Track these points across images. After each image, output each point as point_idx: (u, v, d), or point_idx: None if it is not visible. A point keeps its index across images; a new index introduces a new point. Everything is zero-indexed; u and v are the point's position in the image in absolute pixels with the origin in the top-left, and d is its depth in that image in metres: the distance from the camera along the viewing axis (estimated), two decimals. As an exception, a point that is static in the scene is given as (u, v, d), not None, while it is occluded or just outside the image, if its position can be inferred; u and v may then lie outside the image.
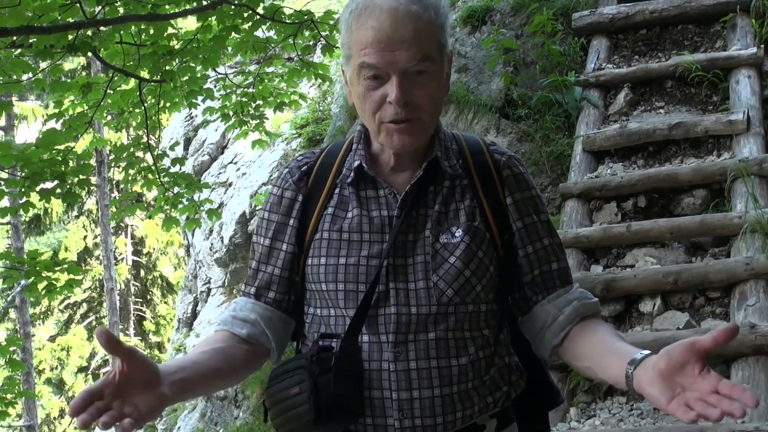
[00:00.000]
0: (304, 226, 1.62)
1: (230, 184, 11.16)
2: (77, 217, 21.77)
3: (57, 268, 5.59)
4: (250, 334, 1.61)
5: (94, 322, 21.85)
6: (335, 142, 1.71)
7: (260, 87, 6.37)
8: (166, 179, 6.23)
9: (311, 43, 5.88)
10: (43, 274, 5.54)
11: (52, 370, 20.65)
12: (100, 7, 4.90)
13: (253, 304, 1.64)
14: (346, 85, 1.61)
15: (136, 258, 22.22)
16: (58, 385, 21.01)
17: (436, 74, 1.52)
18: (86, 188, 6.33)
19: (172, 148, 8.09)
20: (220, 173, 11.60)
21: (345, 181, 1.62)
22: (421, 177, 1.58)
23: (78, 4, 4.69)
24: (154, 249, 22.08)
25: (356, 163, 1.60)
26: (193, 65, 5.65)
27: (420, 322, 1.52)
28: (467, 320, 1.56)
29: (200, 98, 6.06)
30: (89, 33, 4.99)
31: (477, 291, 1.56)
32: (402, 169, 1.60)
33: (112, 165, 9.16)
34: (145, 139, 6.48)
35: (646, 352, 1.38)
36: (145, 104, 5.84)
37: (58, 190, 5.43)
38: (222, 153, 12.08)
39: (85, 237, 21.56)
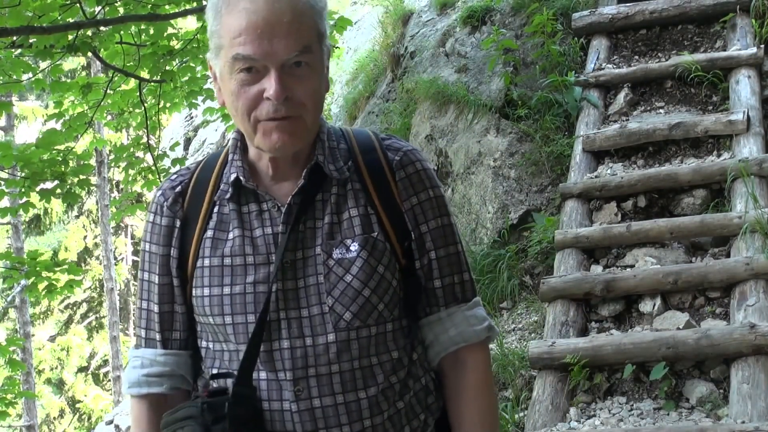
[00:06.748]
0: (185, 254, 1.44)
1: (230, 184, 11.16)
2: (77, 217, 21.77)
3: (57, 269, 5.59)
4: (172, 387, 1.48)
5: (94, 322, 21.87)
6: (212, 153, 1.52)
7: (260, 87, 6.36)
8: (166, 179, 6.23)
9: (311, 43, 5.86)
10: (43, 275, 5.55)
11: (52, 370, 20.65)
12: (100, 7, 4.91)
13: (164, 355, 1.48)
14: (214, 82, 1.42)
15: (136, 258, 22.22)
16: (58, 385, 21.01)
17: (317, 67, 1.36)
18: (86, 188, 6.33)
19: (172, 148, 8.10)
20: (220, 173, 11.61)
21: (224, 197, 1.43)
22: (305, 185, 1.40)
23: (78, 4, 4.69)
24: (154, 249, 22.07)
25: (233, 176, 1.42)
26: (193, 65, 5.65)
27: (319, 354, 1.36)
28: (372, 344, 1.40)
29: (200, 98, 6.06)
30: (89, 33, 5.00)
31: (379, 310, 1.40)
32: (283, 179, 1.43)
33: (112, 165, 9.16)
34: (145, 140, 6.49)
35: None
36: (145, 104, 5.84)
37: (58, 190, 5.44)
38: (222, 153, 12.08)
39: (85, 237, 21.56)
